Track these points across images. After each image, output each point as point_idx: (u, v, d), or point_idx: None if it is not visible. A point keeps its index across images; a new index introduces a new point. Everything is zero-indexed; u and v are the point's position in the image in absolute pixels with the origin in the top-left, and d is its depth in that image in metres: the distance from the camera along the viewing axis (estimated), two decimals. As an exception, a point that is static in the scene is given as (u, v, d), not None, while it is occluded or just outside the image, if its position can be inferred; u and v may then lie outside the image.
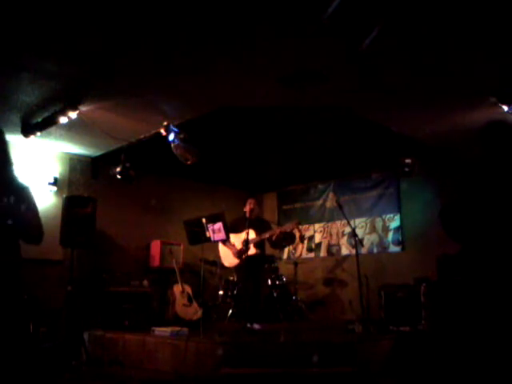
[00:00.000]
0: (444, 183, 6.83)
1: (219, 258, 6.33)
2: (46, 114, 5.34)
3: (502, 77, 4.53)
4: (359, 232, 7.84)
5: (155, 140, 5.66)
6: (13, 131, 5.78)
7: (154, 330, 5.36)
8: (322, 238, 8.67)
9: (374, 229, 8.00)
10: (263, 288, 6.21)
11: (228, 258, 6.01)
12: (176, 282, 6.92)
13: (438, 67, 4.33)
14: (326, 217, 8.67)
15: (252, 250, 5.72)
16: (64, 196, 6.13)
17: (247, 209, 6.03)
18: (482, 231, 2.55)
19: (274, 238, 5.77)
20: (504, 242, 2.47)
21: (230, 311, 6.68)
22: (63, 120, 5.16)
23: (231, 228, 5.74)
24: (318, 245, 8.70)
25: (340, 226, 8.40)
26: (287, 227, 5.93)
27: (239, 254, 5.81)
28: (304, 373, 4.26)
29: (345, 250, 8.29)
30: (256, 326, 5.38)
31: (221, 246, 6.05)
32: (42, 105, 5.12)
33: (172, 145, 5.34)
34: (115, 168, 5.87)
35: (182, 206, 7.92)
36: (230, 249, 5.92)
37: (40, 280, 5.99)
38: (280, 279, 7.33)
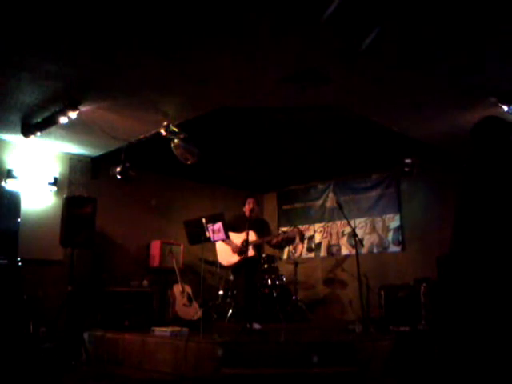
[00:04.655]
0: (444, 183, 6.83)
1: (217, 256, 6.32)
2: (46, 114, 5.34)
3: (502, 77, 4.53)
4: (359, 232, 7.83)
5: (155, 140, 5.67)
6: (13, 131, 5.79)
7: (154, 330, 5.36)
8: (322, 237, 8.67)
9: (373, 229, 7.99)
10: (258, 288, 6.20)
11: (226, 256, 6.00)
12: (176, 282, 6.91)
13: (438, 67, 4.33)
14: (326, 217, 8.66)
15: (251, 252, 5.71)
16: (64, 196, 6.13)
17: (247, 209, 6.03)
18: (480, 232, 2.54)
19: (274, 241, 5.79)
20: (502, 242, 2.47)
21: (230, 311, 6.68)
22: (63, 120, 5.15)
23: (231, 226, 5.74)
24: (318, 245, 8.70)
25: (340, 225, 8.40)
26: (289, 234, 5.93)
27: (239, 250, 5.80)
28: (304, 373, 4.26)
29: (345, 250, 8.29)
30: (256, 326, 5.37)
31: (219, 244, 6.03)
32: (42, 105, 5.12)
33: (172, 145, 5.35)
34: (115, 168, 5.88)
35: (182, 206, 7.93)
36: (229, 245, 5.91)
37: (40, 280, 5.99)
38: (280, 279, 7.32)
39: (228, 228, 5.36)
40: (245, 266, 5.77)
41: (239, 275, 6.10)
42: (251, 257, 5.75)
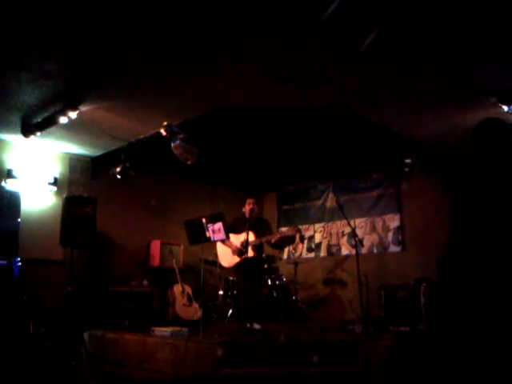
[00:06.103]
0: (444, 183, 6.83)
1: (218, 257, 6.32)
2: (46, 114, 5.34)
3: (501, 77, 4.53)
4: (359, 232, 7.84)
5: (155, 140, 5.66)
6: (13, 131, 5.79)
7: (154, 330, 5.36)
8: (322, 238, 8.67)
9: (373, 229, 7.99)
10: (262, 288, 6.20)
11: (226, 257, 6.00)
12: (176, 282, 6.92)
13: (438, 67, 4.33)
14: (326, 217, 8.66)
15: (250, 253, 5.70)
16: (64, 196, 6.14)
17: (247, 209, 6.02)
18: (480, 233, 2.54)
19: (273, 240, 5.78)
20: (501, 242, 2.47)
21: (230, 311, 6.68)
22: (63, 120, 5.16)
23: (231, 228, 5.74)
24: (318, 245, 8.70)
25: (340, 225, 8.40)
26: (287, 233, 5.92)
27: (239, 252, 5.80)
28: (304, 373, 4.26)
29: (345, 250, 8.29)
30: (256, 326, 5.37)
31: (219, 245, 6.04)
32: (41, 105, 5.12)
33: (172, 145, 5.34)
34: (115, 168, 5.87)
35: (181, 206, 7.93)
36: (229, 247, 5.91)
37: (40, 280, 5.99)
38: (280, 279, 7.33)
39: (228, 230, 5.34)
40: (245, 266, 5.76)
41: (240, 276, 6.10)
42: (251, 257, 5.74)
